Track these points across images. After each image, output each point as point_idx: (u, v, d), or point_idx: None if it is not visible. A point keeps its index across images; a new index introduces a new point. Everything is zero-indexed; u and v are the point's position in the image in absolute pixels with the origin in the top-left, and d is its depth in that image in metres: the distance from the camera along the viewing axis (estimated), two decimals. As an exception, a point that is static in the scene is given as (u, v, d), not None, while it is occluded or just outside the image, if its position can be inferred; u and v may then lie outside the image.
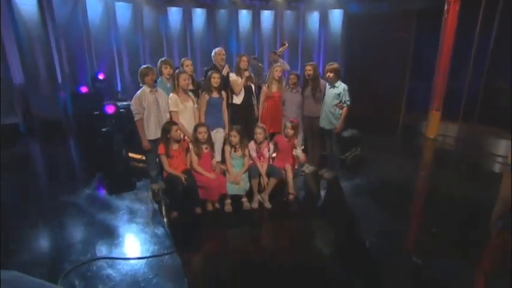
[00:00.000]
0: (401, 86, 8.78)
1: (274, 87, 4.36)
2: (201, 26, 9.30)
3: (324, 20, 9.63)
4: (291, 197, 3.73)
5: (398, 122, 8.71)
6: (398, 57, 8.61)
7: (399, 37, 8.42)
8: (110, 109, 4.75)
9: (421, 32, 8.19)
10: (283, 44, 5.52)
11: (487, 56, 6.46)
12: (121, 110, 5.01)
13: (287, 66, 5.59)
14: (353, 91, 8.65)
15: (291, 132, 3.70)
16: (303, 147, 4.84)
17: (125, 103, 5.89)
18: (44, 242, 3.05)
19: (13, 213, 3.55)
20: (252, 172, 3.52)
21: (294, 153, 3.80)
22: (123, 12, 8.38)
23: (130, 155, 5.11)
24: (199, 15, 9.23)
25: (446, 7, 6.52)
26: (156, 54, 8.87)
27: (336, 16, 9.44)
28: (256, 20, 9.51)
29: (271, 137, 4.10)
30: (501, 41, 6.22)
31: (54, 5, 7.25)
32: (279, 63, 4.60)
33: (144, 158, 4.88)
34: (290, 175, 3.68)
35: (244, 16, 9.51)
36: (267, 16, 9.63)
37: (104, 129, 4.82)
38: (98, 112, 4.88)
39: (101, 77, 7.92)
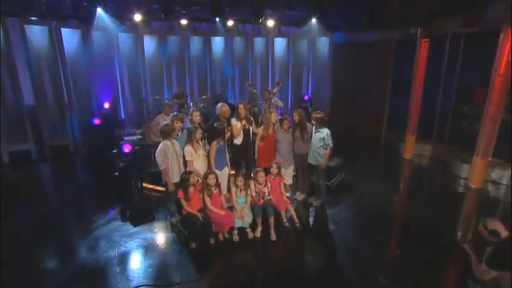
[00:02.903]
0: (383, 106, 9.70)
1: (270, 130, 5.15)
2: (198, 53, 10.02)
3: (312, 47, 10.50)
4: (286, 224, 4.60)
5: (381, 139, 9.62)
6: (380, 81, 9.52)
7: (380, 66, 9.35)
8: (127, 148, 5.45)
9: (399, 59, 9.12)
10: (277, 84, 6.28)
11: (453, 85, 7.41)
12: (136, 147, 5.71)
13: (281, 103, 6.39)
14: (340, 112, 9.49)
15: (275, 171, 4.59)
16: (294, 173, 5.67)
17: (135, 137, 6.60)
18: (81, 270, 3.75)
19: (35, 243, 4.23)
20: (256, 211, 4.32)
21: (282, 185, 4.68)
22: (126, 42, 9.03)
23: (145, 185, 5.83)
24: (196, 42, 9.94)
25: (418, 45, 7.44)
26: (156, 81, 9.58)
27: (323, 43, 10.30)
28: (249, 47, 10.28)
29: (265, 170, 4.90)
30: (465, 72, 7.18)
31: (63, 39, 7.88)
32: (273, 110, 5.36)
33: (157, 187, 5.65)
34: (288, 208, 4.58)
35: (238, 43, 10.27)
36: (259, 43, 10.41)
37: (122, 165, 5.53)
38: (116, 151, 5.55)
39: (106, 105, 8.57)
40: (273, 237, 4.32)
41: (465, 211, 5.56)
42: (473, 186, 6.08)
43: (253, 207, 4.36)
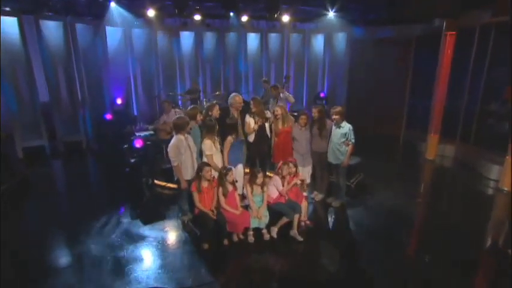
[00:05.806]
0: (401, 105, 9.27)
1: (279, 124, 4.92)
2: (212, 48, 9.84)
3: (328, 42, 10.16)
4: (308, 222, 4.39)
5: (399, 139, 9.19)
6: (399, 78, 9.11)
7: (400, 63, 8.93)
8: (139, 143, 5.29)
9: (420, 55, 8.69)
10: (285, 77, 6.00)
11: (481, 82, 6.96)
12: (148, 143, 5.54)
13: (292, 99, 6.13)
14: (357, 110, 9.12)
15: (293, 170, 4.32)
16: (310, 172, 5.39)
17: (147, 133, 6.46)
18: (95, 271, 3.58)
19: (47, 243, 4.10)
20: (285, 210, 4.09)
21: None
22: (139, 38, 8.94)
23: (156, 182, 5.66)
24: (209, 38, 9.78)
25: (443, 38, 7.03)
26: (169, 77, 9.46)
27: (340, 39, 9.96)
28: (264, 43, 10.04)
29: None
30: (494, 68, 6.71)
31: (77, 35, 7.83)
32: (280, 103, 5.11)
33: (169, 185, 5.48)
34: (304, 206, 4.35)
35: (253, 39, 10.04)
36: (274, 38, 10.16)
37: (132, 160, 5.37)
38: (127, 146, 5.40)
39: (119, 101, 8.50)
40: (299, 238, 4.06)
41: (500, 215, 5.15)
42: (505, 189, 5.65)
43: (279, 206, 4.12)
